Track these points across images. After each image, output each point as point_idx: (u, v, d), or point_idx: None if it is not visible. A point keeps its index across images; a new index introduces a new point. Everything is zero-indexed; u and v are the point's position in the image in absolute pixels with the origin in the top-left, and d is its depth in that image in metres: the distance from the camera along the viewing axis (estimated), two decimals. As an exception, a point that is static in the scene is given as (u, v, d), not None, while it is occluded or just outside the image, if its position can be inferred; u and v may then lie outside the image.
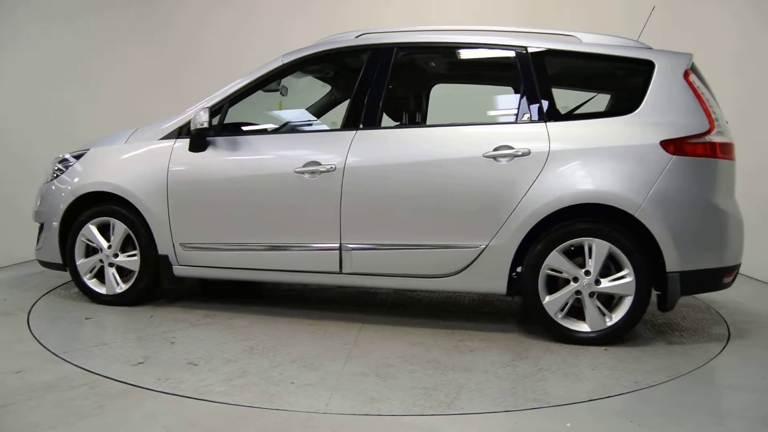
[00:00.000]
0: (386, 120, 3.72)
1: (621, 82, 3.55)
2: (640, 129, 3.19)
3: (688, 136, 3.14)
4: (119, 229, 3.70)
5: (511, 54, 3.40)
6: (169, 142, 3.65)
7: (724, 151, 3.20)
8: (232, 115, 3.78)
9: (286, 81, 3.74)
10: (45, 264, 3.96)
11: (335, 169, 3.36)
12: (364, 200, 3.36)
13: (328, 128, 3.82)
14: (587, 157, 3.19)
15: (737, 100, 5.09)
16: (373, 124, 3.44)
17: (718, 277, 3.23)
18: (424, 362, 2.91)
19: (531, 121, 3.28)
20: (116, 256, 3.74)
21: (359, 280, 3.47)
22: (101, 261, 3.76)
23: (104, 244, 3.74)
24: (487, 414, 2.35)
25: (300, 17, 6.28)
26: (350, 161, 3.36)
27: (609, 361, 2.96)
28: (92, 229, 3.74)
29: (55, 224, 3.80)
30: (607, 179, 3.15)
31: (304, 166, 3.40)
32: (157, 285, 3.77)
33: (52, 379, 2.60)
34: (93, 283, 3.79)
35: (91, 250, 3.79)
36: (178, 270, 3.67)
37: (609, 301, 3.23)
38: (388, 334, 3.35)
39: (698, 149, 3.14)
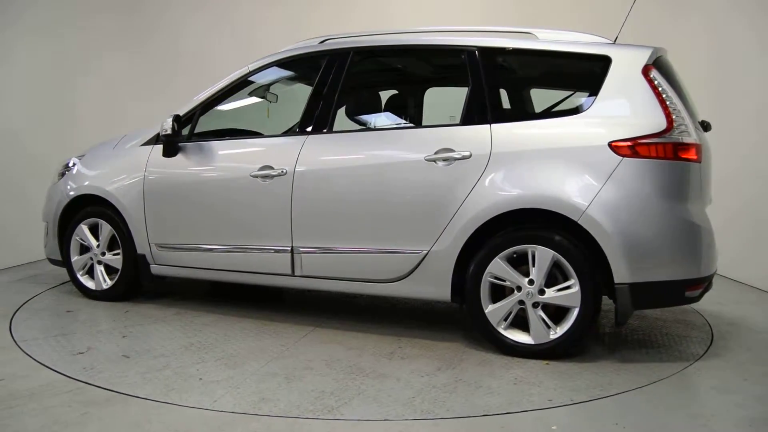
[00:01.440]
0: (350, 124, 3.76)
1: (576, 79, 3.33)
2: (589, 129, 2.98)
3: (640, 137, 2.90)
4: (105, 229, 3.99)
5: (462, 54, 3.31)
6: (148, 148, 3.89)
7: (685, 152, 2.92)
8: (219, 120, 3.99)
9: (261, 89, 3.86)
10: (51, 260, 4.33)
11: (286, 173, 3.43)
12: (312, 204, 3.40)
13: (284, 132, 3.86)
14: (530, 160, 3.03)
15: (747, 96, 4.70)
16: (324, 128, 3.47)
17: (678, 291, 2.94)
18: (344, 367, 2.89)
19: (476, 122, 3.17)
20: (104, 254, 4.03)
21: (310, 283, 3.50)
22: (91, 259, 4.07)
23: (94, 243, 4.04)
24: (359, 421, 2.31)
25: (280, 22, 6.36)
26: (300, 165, 3.41)
27: (540, 376, 2.79)
28: (84, 229, 4.06)
29: (55, 223, 4.16)
30: (549, 183, 2.97)
31: (259, 170, 3.49)
32: (139, 282, 4.01)
33: (35, 386, 2.59)
34: (85, 279, 4.11)
35: (84, 249, 4.11)
36: (155, 269, 3.89)
37: (562, 312, 3.03)
38: (334, 337, 3.35)
39: (652, 150, 2.89)
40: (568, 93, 3.40)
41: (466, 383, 2.70)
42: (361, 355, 3.06)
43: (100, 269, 4.05)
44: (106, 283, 4.03)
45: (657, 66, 3.06)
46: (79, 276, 4.12)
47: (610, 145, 2.91)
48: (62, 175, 4.26)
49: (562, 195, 2.93)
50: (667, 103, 2.94)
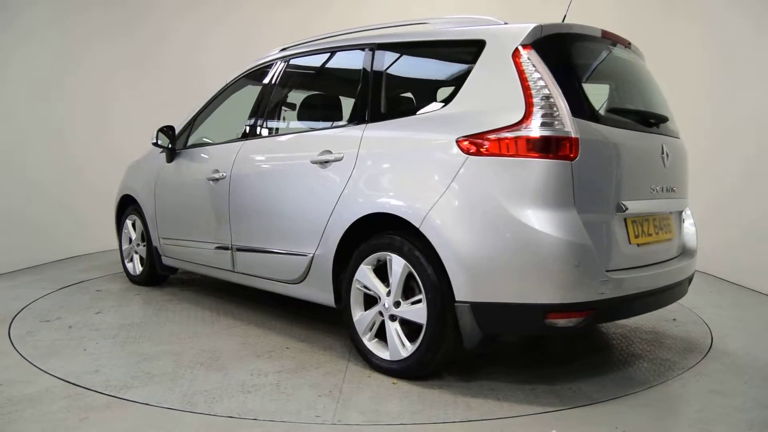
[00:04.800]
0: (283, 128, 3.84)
1: (452, 68, 2.92)
2: (444, 125, 2.66)
3: (487, 131, 2.48)
4: (138, 224, 4.74)
5: (355, 53, 3.21)
6: (163, 155, 4.52)
7: (544, 148, 2.40)
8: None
9: (235, 97, 4.20)
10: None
11: (225, 176, 3.70)
12: (240, 205, 3.61)
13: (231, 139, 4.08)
14: (386, 162, 2.83)
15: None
16: (256, 134, 3.66)
17: (535, 316, 2.41)
18: (205, 358, 3.02)
19: (357, 123, 3.04)
20: (138, 245, 4.79)
21: (243, 279, 3.71)
22: (131, 248, 4.87)
23: (133, 235, 4.83)
24: (135, 404, 2.45)
25: (268, 20, 6.44)
26: (234, 170, 3.66)
27: (359, 394, 2.58)
28: (128, 224, 4.88)
29: (115, 219, 5.07)
30: (397, 186, 2.74)
31: (211, 173, 3.83)
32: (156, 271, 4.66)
33: (34, 391, 2.59)
34: (129, 266, 4.92)
35: (130, 240, 4.93)
36: (164, 259, 4.50)
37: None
38: (251, 332, 3.50)
39: (503, 146, 2.45)
40: (443, 85, 3.02)
41: (275, 387, 2.64)
42: (241, 351, 3.16)
43: (136, 258, 4.82)
44: (139, 269, 4.79)
45: (551, 46, 2.57)
46: (125, 263, 4.95)
47: (457, 141, 2.55)
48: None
49: (406, 199, 2.67)
50: (532, 90, 2.45)
